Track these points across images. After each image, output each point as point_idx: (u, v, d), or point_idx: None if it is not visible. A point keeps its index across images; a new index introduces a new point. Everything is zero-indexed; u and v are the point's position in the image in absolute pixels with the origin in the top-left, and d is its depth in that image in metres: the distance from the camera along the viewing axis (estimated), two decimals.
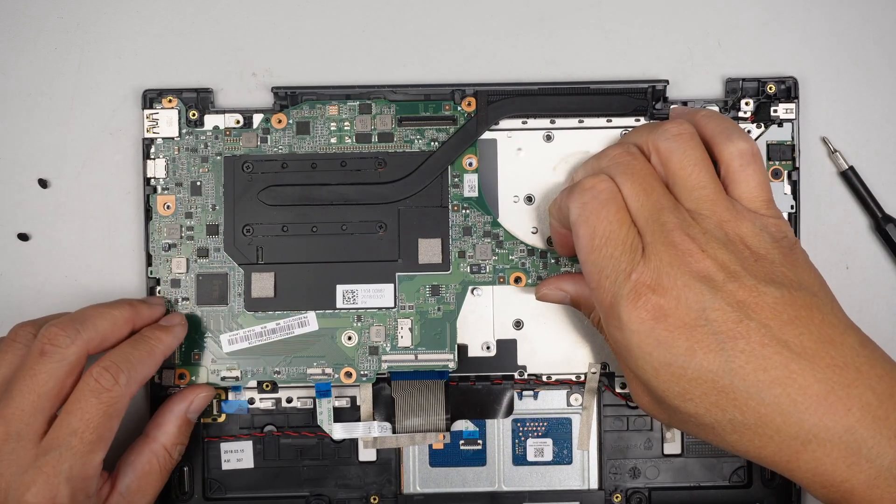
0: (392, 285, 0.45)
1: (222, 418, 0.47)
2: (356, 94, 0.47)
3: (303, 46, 0.49)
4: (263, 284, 0.45)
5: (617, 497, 0.47)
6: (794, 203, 0.46)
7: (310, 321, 0.45)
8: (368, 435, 0.45)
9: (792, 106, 0.46)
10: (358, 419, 0.46)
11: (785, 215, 0.46)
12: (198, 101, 0.47)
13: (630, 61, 0.48)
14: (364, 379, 0.45)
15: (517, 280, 0.45)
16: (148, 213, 0.47)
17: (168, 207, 0.46)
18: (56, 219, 0.48)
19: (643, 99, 0.45)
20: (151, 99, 0.47)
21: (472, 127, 0.45)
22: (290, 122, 0.46)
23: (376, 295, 0.45)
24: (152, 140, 0.46)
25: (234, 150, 0.46)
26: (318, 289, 0.45)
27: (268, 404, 0.46)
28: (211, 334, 0.45)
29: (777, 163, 0.46)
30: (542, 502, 0.47)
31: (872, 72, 0.48)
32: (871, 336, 0.36)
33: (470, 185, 0.45)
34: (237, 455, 0.47)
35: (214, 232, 0.46)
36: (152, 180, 0.46)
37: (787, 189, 0.46)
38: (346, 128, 0.46)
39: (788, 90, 0.46)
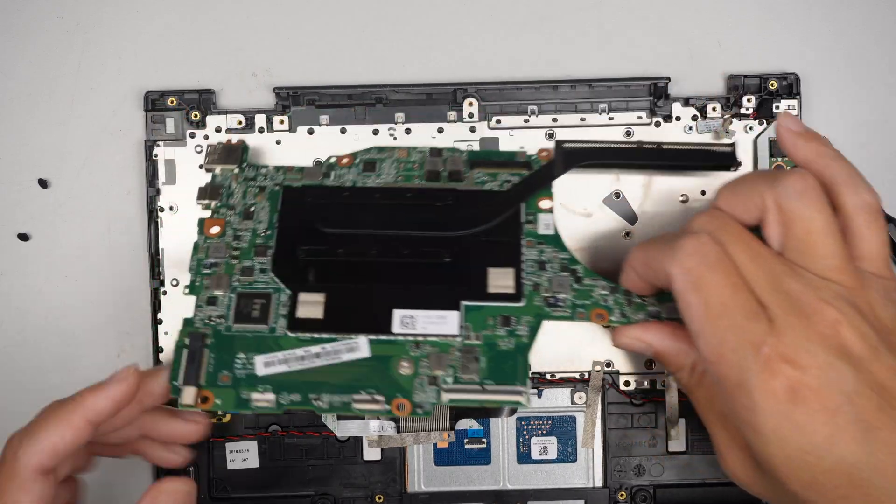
0: (457, 312, 0.40)
1: (227, 418, 0.46)
2: (357, 94, 0.47)
3: (303, 46, 0.49)
4: (311, 305, 0.40)
5: (622, 495, 0.47)
6: None
7: (360, 346, 0.39)
8: (373, 434, 0.45)
9: (794, 102, 0.46)
10: (362, 418, 0.46)
11: None
12: (199, 102, 0.47)
13: (631, 59, 0.48)
14: (419, 412, 0.38)
15: (599, 316, 0.40)
16: (151, 215, 0.46)
17: (216, 230, 0.42)
18: (56, 219, 0.48)
19: (726, 155, 0.43)
20: (153, 100, 0.47)
21: (546, 172, 0.43)
22: (357, 161, 0.44)
23: (438, 322, 0.39)
24: (210, 172, 0.44)
25: (294, 182, 0.44)
26: (373, 313, 0.40)
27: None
28: (244, 355, 0.40)
29: (779, 160, 0.46)
30: (546, 500, 0.47)
31: (873, 71, 0.48)
32: None
33: (546, 223, 0.42)
34: (242, 455, 0.47)
35: (263, 253, 0.42)
36: (201, 204, 0.43)
37: None
38: (415, 169, 0.43)
39: (790, 87, 0.46)
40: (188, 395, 0.38)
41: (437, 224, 0.41)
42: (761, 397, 0.31)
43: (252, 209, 0.43)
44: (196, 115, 0.47)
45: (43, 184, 0.48)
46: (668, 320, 0.39)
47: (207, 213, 0.43)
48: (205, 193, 0.43)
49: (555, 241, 0.41)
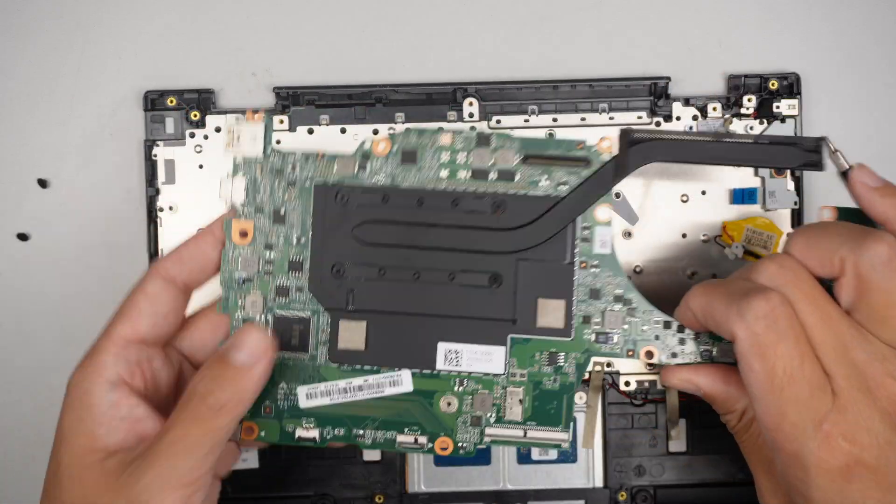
0: (503, 348, 0.38)
1: None
2: (357, 94, 0.47)
3: (303, 46, 0.48)
4: (353, 334, 0.38)
5: (622, 495, 0.47)
6: (797, 199, 0.46)
7: (403, 381, 0.38)
8: None
9: (794, 102, 0.46)
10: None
11: (788, 212, 0.46)
12: (199, 102, 0.47)
13: (631, 59, 0.48)
14: (461, 452, 0.38)
15: (648, 354, 0.38)
16: (151, 215, 0.46)
17: (244, 235, 0.39)
18: (56, 219, 0.48)
19: (812, 151, 0.38)
20: (153, 100, 0.47)
21: (608, 172, 0.38)
22: (395, 148, 0.39)
23: (483, 358, 0.38)
24: (233, 159, 0.39)
25: (326, 177, 0.39)
26: (417, 345, 0.38)
27: None
28: (286, 385, 0.39)
29: None
30: (546, 501, 0.47)
31: (873, 71, 0.48)
32: None
33: (602, 240, 0.38)
34: (243, 455, 0.46)
35: (298, 268, 0.39)
36: (227, 202, 0.39)
37: (791, 185, 0.46)
38: (459, 161, 0.39)
39: (791, 86, 0.46)
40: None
41: (485, 238, 0.38)
42: (816, 473, 0.31)
43: (283, 211, 0.39)
44: (196, 115, 0.47)
45: (43, 184, 0.48)
46: (719, 363, 0.38)
47: (231, 212, 0.39)
48: (227, 189, 0.39)
49: (611, 262, 0.38)
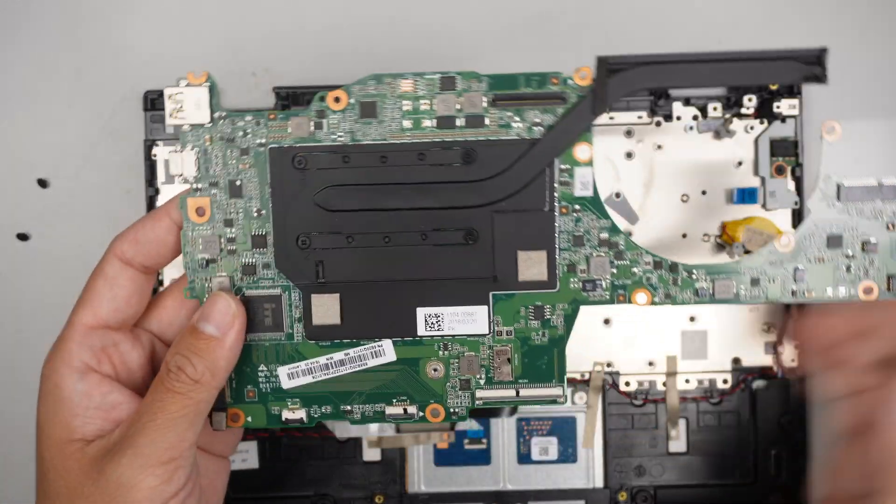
0: (486, 307, 0.36)
1: None
2: None
3: (303, 46, 0.48)
4: (327, 309, 0.37)
5: (622, 495, 0.47)
6: (797, 199, 0.46)
7: (385, 351, 0.37)
8: (373, 435, 0.45)
9: (795, 102, 0.46)
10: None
11: (789, 212, 0.46)
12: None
13: None
14: (454, 417, 0.37)
15: (641, 297, 0.36)
16: None
17: (202, 213, 0.36)
18: (56, 219, 0.48)
19: (813, 63, 0.35)
20: (153, 100, 0.47)
21: (586, 107, 0.35)
22: (352, 100, 0.35)
23: (466, 319, 0.36)
24: (178, 127, 0.36)
25: (281, 140, 0.36)
26: (395, 313, 0.36)
27: None
28: (266, 368, 0.37)
29: (781, 159, 0.46)
30: (546, 501, 0.47)
31: (874, 71, 0.48)
32: None
33: (583, 181, 0.36)
34: (242, 455, 0.46)
35: (262, 244, 0.36)
36: (178, 178, 0.36)
37: (791, 185, 0.46)
38: (423, 108, 0.35)
39: (791, 86, 0.46)
40: (219, 420, 0.37)
41: (457, 193, 0.36)
42: None
43: (238, 182, 0.36)
44: None
45: (43, 184, 0.48)
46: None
47: (186, 188, 0.36)
48: (175, 164, 0.37)
49: (594, 203, 0.36)
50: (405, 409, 0.37)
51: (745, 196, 0.46)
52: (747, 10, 0.48)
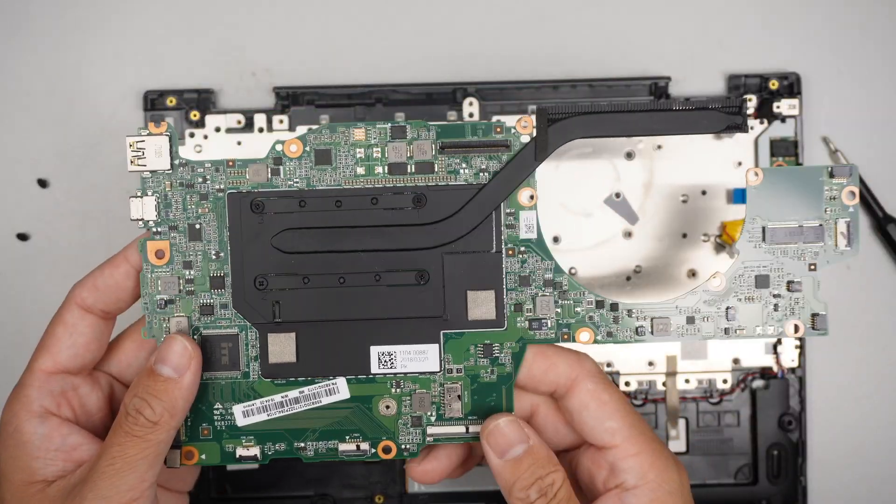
0: (437, 346, 0.37)
1: None
2: (357, 94, 0.47)
3: (303, 46, 0.48)
4: (283, 347, 0.37)
5: None
6: None
7: (339, 388, 0.38)
8: None
9: (795, 102, 0.46)
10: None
11: None
12: (199, 102, 0.47)
13: (631, 59, 0.48)
14: (405, 454, 0.38)
15: (584, 335, 0.37)
16: None
17: (161, 256, 0.37)
18: (55, 219, 0.48)
19: (735, 114, 0.37)
20: (153, 100, 0.47)
21: (529, 154, 0.37)
22: (307, 149, 0.37)
23: (418, 357, 0.37)
24: (138, 174, 0.37)
25: (239, 185, 0.37)
26: (349, 351, 0.37)
27: None
28: (221, 406, 0.38)
29: (780, 159, 0.46)
30: None
31: (874, 71, 0.48)
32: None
33: (527, 224, 0.37)
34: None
35: (220, 285, 0.37)
36: (139, 223, 0.37)
37: None
38: (375, 156, 0.37)
39: (791, 86, 0.46)
40: (173, 457, 0.37)
41: (409, 235, 0.37)
42: None
43: (198, 226, 0.37)
44: (195, 115, 0.47)
45: (42, 184, 0.48)
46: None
47: (145, 233, 0.37)
48: (139, 208, 0.37)
49: (538, 246, 0.37)
50: (357, 446, 0.38)
51: (746, 196, 0.46)
52: (747, 11, 0.48)
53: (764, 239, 0.36)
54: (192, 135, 0.47)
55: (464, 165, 0.37)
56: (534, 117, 0.37)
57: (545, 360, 0.37)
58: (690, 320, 0.36)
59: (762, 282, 0.36)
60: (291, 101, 0.47)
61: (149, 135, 0.37)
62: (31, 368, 0.37)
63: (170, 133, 0.37)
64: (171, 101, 0.47)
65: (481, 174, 0.37)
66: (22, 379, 0.36)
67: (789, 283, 0.36)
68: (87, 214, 0.48)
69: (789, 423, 0.47)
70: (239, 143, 0.47)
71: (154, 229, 0.37)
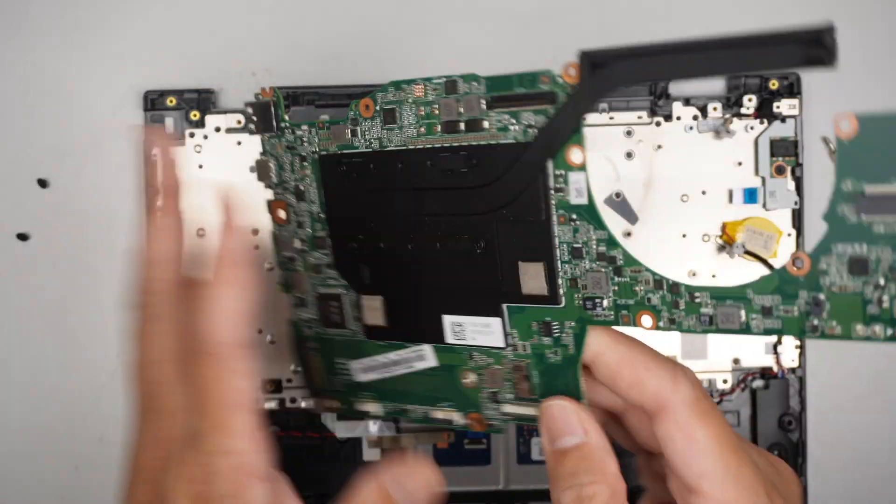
0: (500, 320, 0.34)
1: None
2: (357, 94, 0.47)
3: (303, 46, 0.48)
4: (374, 310, 0.37)
5: None
6: (797, 199, 0.46)
7: (427, 355, 0.36)
8: (373, 435, 0.45)
9: (795, 102, 0.46)
10: (362, 419, 0.46)
11: (789, 212, 0.46)
12: (199, 102, 0.47)
13: None
14: (490, 429, 0.36)
15: (646, 320, 0.32)
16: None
17: (283, 216, 0.38)
18: (56, 219, 0.48)
19: (816, 46, 0.29)
20: (153, 100, 0.47)
21: (573, 106, 0.31)
22: (377, 107, 0.35)
23: (484, 330, 0.35)
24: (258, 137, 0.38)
25: (328, 147, 0.36)
26: (426, 318, 0.36)
27: (272, 405, 0.46)
28: (344, 362, 0.38)
29: (780, 159, 0.46)
30: (547, 501, 0.47)
31: (873, 71, 0.48)
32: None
33: (577, 188, 0.31)
34: None
35: (322, 245, 0.37)
36: (262, 185, 0.38)
37: (791, 185, 0.46)
38: (434, 113, 0.34)
39: (791, 86, 0.46)
40: (317, 405, 0.39)
41: (462, 198, 0.34)
42: None
43: (301, 186, 0.37)
44: (195, 115, 0.47)
45: (43, 184, 0.48)
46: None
47: (270, 195, 0.39)
48: (260, 171, 0.38)
49: (589, 212, 0.32)
50: (449, 416, 0.37)
51: (745, 196, 0.46)
52: (747, 10, 0.48)
53: (859, 210, 0.28)
54: (192, 135, 0.47)
55: (513, 121, 0.33)
56: (579, 63, 0.31)
57: (632, 374, 0.31)
58: (767, 312, 0.30)
59: (859, 267, 0.28)
60: (291, 101, 0.47)
61: (259, 99, 0.37)
62: None
63: (275, 98, 0.37)
64: (171, 101, 0.47)
65: (529, 130, 0.32)
66: None
67: (892, 268, 0.27)
68: (87, 214, 0.48)
69: (789, 423, 0.47)
70: (239, 143, 0.47)
71: (275, 190, 0.38)
